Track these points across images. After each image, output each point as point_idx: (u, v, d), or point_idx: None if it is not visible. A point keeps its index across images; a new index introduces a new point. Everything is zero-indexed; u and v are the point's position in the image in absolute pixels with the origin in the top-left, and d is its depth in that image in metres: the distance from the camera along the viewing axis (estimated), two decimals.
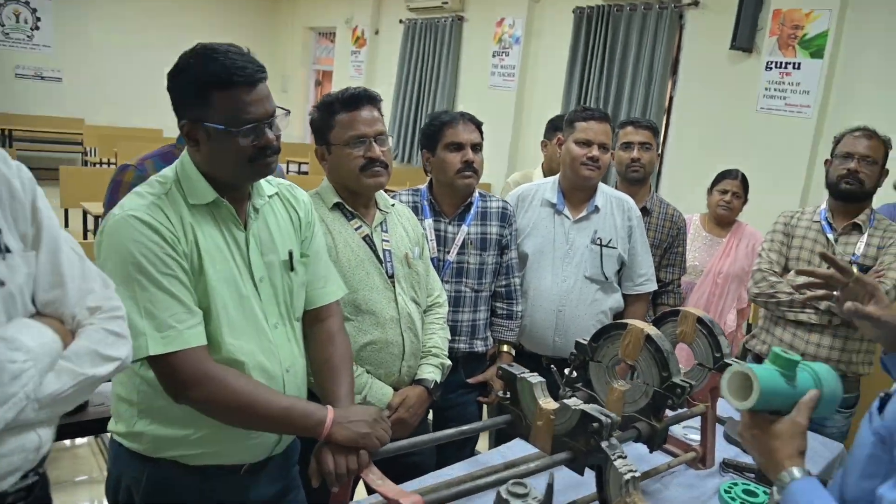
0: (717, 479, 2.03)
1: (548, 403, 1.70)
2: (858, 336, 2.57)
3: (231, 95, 1.46)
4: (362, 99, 1.99)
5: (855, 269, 1.56)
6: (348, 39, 9.53)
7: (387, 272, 2.04)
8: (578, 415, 1.61)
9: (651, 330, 1.82)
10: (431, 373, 2.12)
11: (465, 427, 1.73)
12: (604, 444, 1.55)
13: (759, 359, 2.71)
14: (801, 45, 4.62)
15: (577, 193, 2.64)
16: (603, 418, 1.56)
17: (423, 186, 2.46)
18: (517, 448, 2.01)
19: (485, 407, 2.64)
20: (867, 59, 4.48)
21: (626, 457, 1.53)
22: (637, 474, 1.50)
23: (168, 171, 1.56)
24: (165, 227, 1.45)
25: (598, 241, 2.60)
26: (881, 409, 1.18)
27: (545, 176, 3.51)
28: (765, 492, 1.93)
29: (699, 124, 5.30)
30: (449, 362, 2.19)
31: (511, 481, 1.36)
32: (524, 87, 6.99)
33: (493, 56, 7.21)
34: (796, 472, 1.17)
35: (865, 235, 2.58)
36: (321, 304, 1.77)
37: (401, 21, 8.51)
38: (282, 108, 1.58)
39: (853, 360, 2.57)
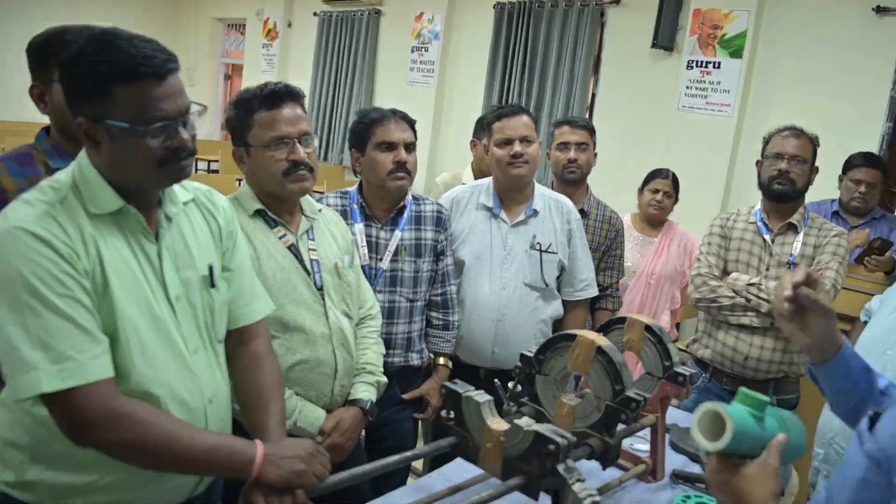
0: (668, 492, 1.96)
1: (497, 424, 1.57)
2: None
3: (137, 89, 1.25)
4: (284, 96, 1.81)
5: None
6: (259, 32, 9.18)
7: (315, 284, 1.87)
8: (532, 436, 1.49)
9: (602, 341, 1.73)
10: (366, 392, 1.97)
11: (409, 454, 1.58)
12: (560, 468, 1.44)
13: (701, 363, 2.66)
14: (720, 44, 4.68)
15: (513, 196, 2.53)
16: (559, 440, 1.45)
17: (352, 189, 2.30)
18: (459, 469, 1.87)
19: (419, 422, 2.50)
20: (783, 58, 4.57)
21: (584, 480, 1.43)
22: (598, 499, 1.40)
23: (63, 175, 1.33)
24: (61, 241, 1.24)
25: (538, 247, 2.49)
26: (871, 427, 1.10)
27: (475, 176, 3.40)
28: None
29: (621, 122, 5.31)
30: (385, 379, 2.04)
31: None
32: (444, 83, 6.87)
33: (413, 51, 7.07)
34: None
35: (801, 235, 2.57)
36: (246, 323, 1.59)
37: (315, 14, 8.26)
38: (197, 104, 1.37)
39: (794, 361, 2.56)
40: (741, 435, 1.14)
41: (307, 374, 1.84)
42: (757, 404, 1.19)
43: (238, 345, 1.58)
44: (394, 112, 2.23)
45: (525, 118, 2.48)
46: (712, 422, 1.17)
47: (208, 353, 1.47)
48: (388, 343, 2.18)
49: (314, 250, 1.90)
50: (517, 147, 2.42)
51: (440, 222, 2.37)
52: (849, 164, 3.49)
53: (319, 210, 1.99)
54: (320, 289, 1.88)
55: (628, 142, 5.24)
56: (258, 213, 1.86)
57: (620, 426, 1.71)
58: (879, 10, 4.20)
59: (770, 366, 2.54)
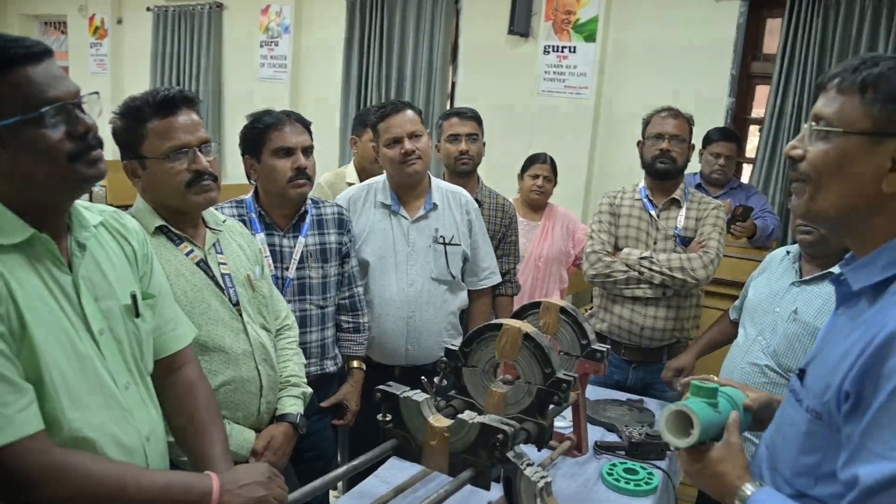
0: (594, 463, 2.06)
1: (439, 421, 1.59)
2: (687, 305, 2.73)
3: (16, 75, 1.11)
4: (178, 102, 1.69)
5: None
6: (85, 30, 8.50)
7: (230, 300, 1.78)
8: (478, 428, 1.51)
9: (528, 328, 1.79)
10: (294, 405, 1.91)
11: (356, 461, 1.54)
12: (510, 455, 1.47)
13: (599, 337, 2.78)
14: (574, 29, 4.85)
15: (410, 191, 2.53)
16: (506, 428, 1.49)
17: (248, 197, 2.21)
18: (395, 471, 1.87)
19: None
20: (634, 41, 4.81)
21: (533, 464, 1.47)
22: (549, 479, 1.45)
23: None
24: None
25: (441, 240, 2.51)
26: (801, 382, 1.19)
27: (358, 175, 3.35)
28: (642, 467, 2.00)
29: (484, 109, 5.28)
30: (309, 390, 2.00)
31: None
32: (298, 78, 6.69)
33: (262, 46, 6.81)
34: (750, 486, 1.18)
35: (684, 209, 2.73)
36: (174, 350, 1.49)
37: (148, 9, 7.74)
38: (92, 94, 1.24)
39: (685, 327, 2.73)
40: (706, 428, 1.24)
41: (232, 396, 1.76)
42: (710, 394, 1.29)
43: (167, 374, 1.48)
44: (288, 115, 2.16)
45: (410, 113, 2.47)
46: (677, 419, 1.25)
47: (139, 388, 1.36)
48: (303, 353, 2.12)
49: (224, 264, 1.80)
50: (407, 145, 2.41)
51: (342, 224, 2.32)
52: (707, 139, 3.76)
53: (224, 221, 1.89)
54: (236, 304, 1.79)
55: (492, 128, 5.28)
56: (160, 229, 1.73)
57: (552, 407, 1.76)
58: None
59: (664, 333, 2.70)
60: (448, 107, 5.66)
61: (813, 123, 1.12)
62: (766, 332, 2.21)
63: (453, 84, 5.71)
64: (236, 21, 7.08)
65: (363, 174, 3.30)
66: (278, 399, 1.90)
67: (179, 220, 1.75)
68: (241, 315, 1.79)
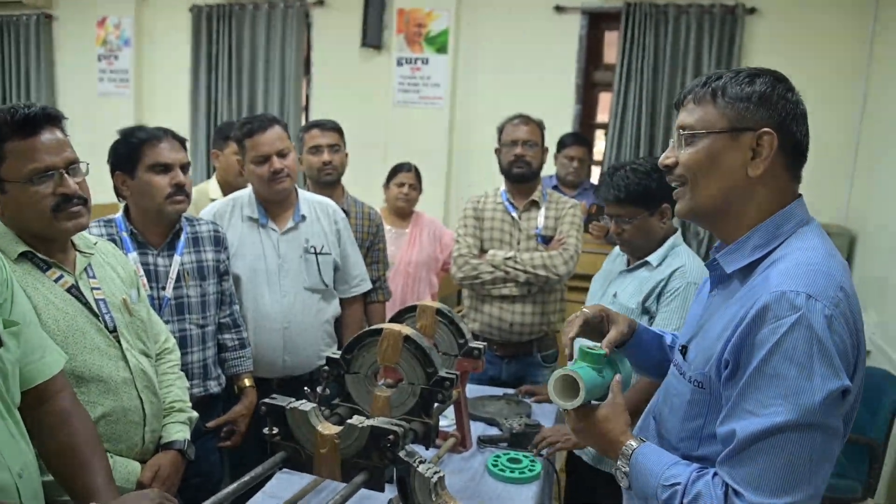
0: (479, 457, 2.13)
1: (328, 428, 1.59)
2: (552, 299, 2.87)
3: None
4: (41, 120, 1.55)
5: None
6: None
7: (106, 326, 1.68)
8: (368, 432, 1.53)
9: (408, 330, 1.82)
10: (180, 432, 1.83)
11: (246, 478, 1.48)
12: (402, 455, 1.50)
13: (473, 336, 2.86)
14: (426, 41, 4.97)
15: (277, 206, 2.53)
16: (396, 429, 1.52)
17: (118, 216, 2.11)
18: (283, 485, 1.85)
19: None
20: (484, 52, 5.00)
21: (426, 461, 1.51)
22: (442, 474, 1.49)
23: None
24: None
25: (312, 250, 2.51)
26: (684, 357, 1.32)
27: (222, 189, 3.26)
28: (524, 456, 2.09)
29: (339, 122, 5.37)
30: (195, 414, 1.92)
31: None
32: (142, 93, 6.38)
33: (100, 60, 6.43)
34: (633, 442, 1.29)
35: (543, 210, 2.88)
36: (43, 379, 1.40)
37: None
38: None
39: (551, 320, 2.87)
40: (591, 389, 1.32)
41: (114, 427, 1.66)
42: (596, 359, 1.39)
43: (38, 405, 1.39)
44: (164, 131, 2.09)
45: (277, 129, 2.46)
46: (564, 383, 1.33)
47: (7, 423, 1.28)
48: (185, 374, 2.04)
49: (97, 289, 1.69)
50: (276, 164, 2.42)
51: (219, 241, 2.28)
52: (561, 144, 3.97)
53: (95, 243, 1.79)
54: (113, 331, 1.69)
55: (348, 140, 5.31)
56: (24, 255, 1.59)
57: (436, 406, 1.80)
58: (558, 9, 4.80)
59: (532, 328, 2.83)
60: (303, 120, 5.61)
61: (679, 131, 1.28)
62: None
63: (307, 97, 5.66)
64: (69, 33, 6.65)
65: (227, 188, 3.22)
66: (163, 426, 1.82)
67: (46, 245, 1.62)
68: (118, 341, 1.69)
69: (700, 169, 1.24)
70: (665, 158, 1.31)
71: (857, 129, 4.34)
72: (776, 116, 1.20)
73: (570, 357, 1.46)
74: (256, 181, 2.46)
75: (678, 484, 1.18)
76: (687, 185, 1.27)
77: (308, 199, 2.60)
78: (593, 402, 1.36)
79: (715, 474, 1.17)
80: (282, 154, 2.43)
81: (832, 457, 1.13)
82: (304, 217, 2.53)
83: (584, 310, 1.49)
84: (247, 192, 2.56)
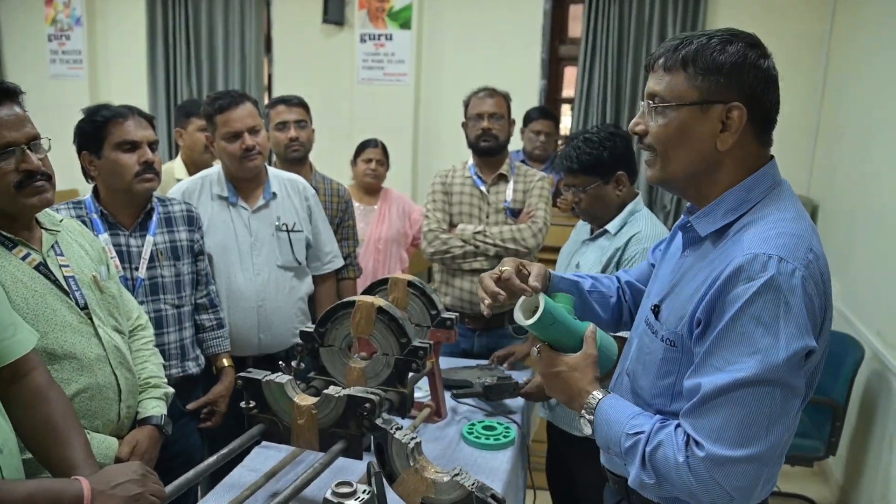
0: (454, 426, 2.14)
1: (305, 399, 1.62)
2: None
3: None
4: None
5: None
6: None
7: (77, 303, 1.65)
8: (345, 401, 1.56)
9: (381, 302, 1.84)
10: (156, 407, 1.83)
11: (224, 450, 1.54)
12: (379, 422, 1.53)
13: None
14: (389, 17, 4.92)
15: (247, 183, 2.50)
16: (372, 397, 1.55)
17: (87, 197, 2.08)
18: (261, 458, 1.85)
19: None
20: (448, 28, 4.97)
21: (402, 427, 1.53)
22: (419, 439, 1.51)
23: None
24: None
25: (284, 227, 2.50)
26: (656, 317, 1.34)
27: (187, 167, 3.20)
28: (499, 423, 2.11)
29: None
30: (171, 390, 1.92)
31: (334, 484, 1.30)
32: (98, 74, 6.21)
33: (50, 40, 6.25)
34: (598, 393, 1.32)
35: (511, 183, 2.88)
36: (16, 356, 1.38)
37: None
38: None
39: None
40: (554, 314, 1.34)
41: (89, 403, 1.64)
42: (566, 300, 1.44)
43: (12, 383, 1.37)
44: (130, 108, 2.05)
45: (248, 106, 2.43)
46: (529, 306, 1.35)
47: None
48: (162, 355, 2.03)
49: (66, 266, 1.66)
50: (248, 140, 2.39)
51: (192, 221, 2.25)
52: (528, 118, 3.97)
53: (61, 220, 1.75)
54: (84, 307, 1.66)
55: (313, 118, 5.27)
56: None
57: (411, 375, 1.83)
58: None
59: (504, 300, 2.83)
60: (266, 98, 5.54)
61: (649, 102, 1.27)
62: None
63: (270, 76, 5.58)
64: (16, 11, 6.43)
65: (192, 167, 3.16)
66: (139, 402, 1.81)
67: (10, 223, 1.59)
68: (90, 318, 1.67)
69: (670, 141, 1.24)
70: (635, 125, 1.31)
71: (819, 100, 4.43)
72: (746, 88, 1.20)
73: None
74: (227, 158, 2.43)
75: (641, 433, 1.22)
76: (656, 154, 1.28)
77: (278, 177, 2.57)
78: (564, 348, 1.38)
79: (678, 426, 1.20)
80: (253, 131, 2.41)
81: (791, 414, 1.16)
82: (274, 195, 2.51)
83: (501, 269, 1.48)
84: (216, 170, 2.53)
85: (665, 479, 1.18)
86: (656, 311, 1.35)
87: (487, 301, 1.45)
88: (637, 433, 1.22)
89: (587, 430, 1.32)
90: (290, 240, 2.49)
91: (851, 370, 3.02)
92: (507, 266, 1.45)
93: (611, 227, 2.23)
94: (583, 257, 2.30)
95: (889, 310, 3.02)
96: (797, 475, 3.60)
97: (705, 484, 1.14)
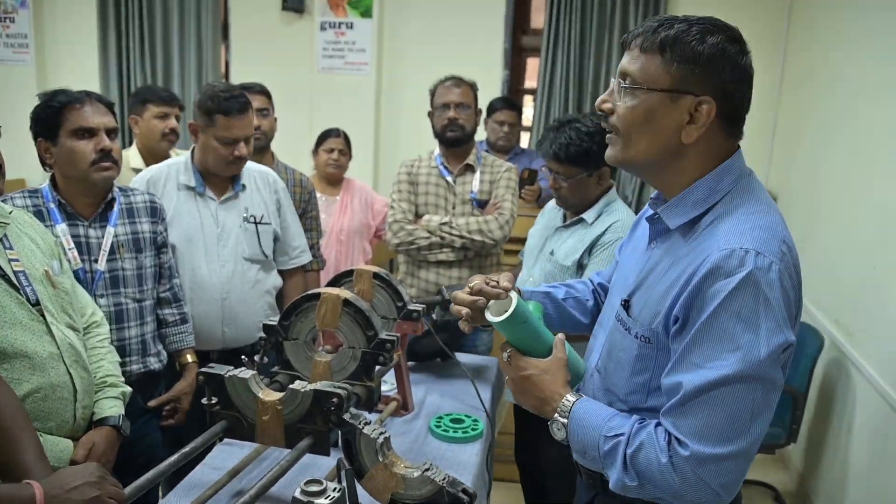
0: (421, 420, 2.11)
1: (270, 395, 1.58)
2: (488, 264, 2.87)
3: None
4: None
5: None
6: None
7: (28, 299, 1.59)
8: (311, 396, 1.52)
9: (347, 294, 1.80)
10: (114, 407, 1.77)
11: (187, 448, 1.48)
12: (346, 417, 1.50)
13: None
14: (350, 5, 4.84)
15: (216, 175, 2.45)
16: (340, 392, 1.51)
17: (44, 186, 2.00)
18: (223, 456, 1.78)
19: None
20: (411, 18, 4.91)
21: (371, 422, 1.50)
22: (388, 434, 1.49)
23: None
24: None
25: (252, 219, 2.45)
26: (627, 312, 1.32)
27: (142, 156, 3.10)
28: (467, 416, 2.09)
29: None
30: (128, 389, 1.86)
31: (303, 482, 1.26)
32: (45, 60, 5.99)
33: None
34: (571, 396, 1.29)
35: (478, 173, 2.85)
36: None
37: None
38: None
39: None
40: (525, 313, 1.33)
41: (42, 404, 1.58)
42: (539, 310, 1.45)
43: None
44: (88, 94, 1.98)
45: (250, 115, 2.40)
46: (501, 309, 1.34)
47: None
48: (123, 350, 1.98)
49: (16, 260, 1.60)
50: (242, 150, 2.37)
51: (155, 212, 2.19)
52: (491, 108, 3.95)
53: (10, 212, 1.68)
54: (36, 304, 1.60)
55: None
56: None
57: (378, 369, 1.78)
58: None
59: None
60: None
61: (621, 80, 1.24)
62: (535, 271, 2.40)
63: (227, 64, 5.45)
64: None
65: (148, 155, 3.06)
66: (95, 402, 1.75)
67: None
68: (42, 315, 1.61)
69: (634, 125, 1.22)
70: (602, 102, 1.28)
71: (778, 95, 4.49)
72: (720, 83, 1.18)
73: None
74: (213, 156, 2.37)
75: (621, 435, 1.20)
76: (619, 135, 1.26)
77: (248, 169, 2.52)
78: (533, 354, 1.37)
79: (658, 424, 1.19)
80: (248, 140, 2.39)
81: (772, 408, 1.16)
82: (243, 186, 2.47)
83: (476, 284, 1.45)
84: (183, 159, 2.47)
85: (648, 481, 1.17)
86: (626, 306, 1.33)
87: (465, 311, 1.42)
88: (616, 435, 1.21)
89: (560, 435, 1.29)
90: (257, 232, 2.45)
91: (811, 359, 3.08)
92: (475, 280, 1.43)
93: (587, 216, 2.24)
94: (557, 245, 2.30)
95: (846, 299, 3.08)
96: (758, 462, 3.64)
97: (691, 483, 1.13)
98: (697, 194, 1.23)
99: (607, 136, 1.29)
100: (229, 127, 2.32)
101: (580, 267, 2.20)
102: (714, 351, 1.12)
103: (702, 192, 1.23)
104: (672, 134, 1.20)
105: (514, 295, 1.32)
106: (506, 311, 1.30)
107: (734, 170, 1.24)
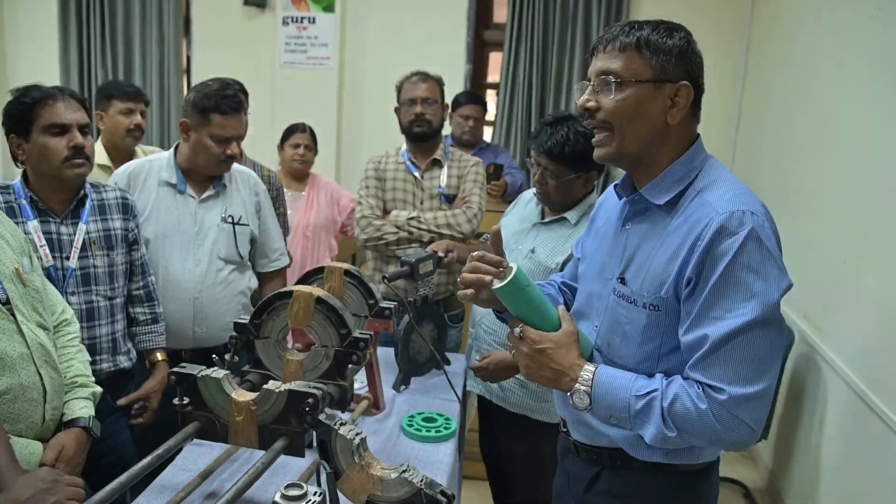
0: (393, 418, 2.12)
1: (243, 395, 1.57)
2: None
3: None
4: None
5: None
6: None
7: None
8: (286, 396, 1.51)
9: (320, 292, 1.81)
10: (84, 408, 1.75)
11: (160, 450, 1.46)
12: (322, 417, 1.49)
13: None
14: (312, 0, 4.80)
15: (199, 173, 2.43)
16: (315, 391, 1.50)
17: (16, 182, 1.99)
18: (194, 457, 1.77)
19: None
20: (373, 12, 4.91)
21: (346, 423, 1.50)
22: (364, 435, 1.48)
23: None
24: None
25: (230, 219, 2.43)
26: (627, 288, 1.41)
27: (108, 152, 3.06)
28: (439, 414, 2.09)
29: None
30: (99, 389, 1.84)
31: (284, 486, 1.26)
32: (5, 55, 5.85)
33: None
34: (590, 366, 1.37)
35: (445, 168, 2.86)
36: None
37: None
38: None
39: (456, 281, 2.86)
40: (526, 279, 1.37)
41: (11, 406, 1.56)
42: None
43: None
44: (60, 90, 1.96)
45: (244, 116, 2.40)
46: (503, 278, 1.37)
47: None
48: (93, 349, 1.96)
49: None
50: (234, 149, 2.36)
51: (127, 209, 2.17)
52: (456, 102, 3.95)
53: None
54: (6, 303, 1.58)
55: None
56: None
57: (350, 367, 1.79)
58: None
59: (439, 287, 2.83)
60: (185, 83, 5.35)
61: (606, 78, 1.34)
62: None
63: (188, 58, 5.38)
64: None
65: (114, 152, 3.02)
66: (65, 403, 1.73)
67: None
68: (12, 314, 1.59)
69: (626, 115, 1.33)
70: (586, 102, 1.37)
71: (741, 86, 4.57)
72: (690, 70, 1.34)
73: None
74: (205, 154, 2.36)
75: (654, 391, 1.30)
76: (612, 131, 1.36)
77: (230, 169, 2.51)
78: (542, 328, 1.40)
79: (686, 378, 1.29)
80: (239, 139, 2.39)
81: (782, 347, 1.31)
82: (224, 186, 2.46)
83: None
84: (165, 155, 2.45)
85: (687, 430, 1.27)
86: (623, 281, 1.42)
87: (470, 293, 1.44)
88: (648, 393, 1.30)
89: (583, 404, 1.35)
90: (234, 232, 2.43)
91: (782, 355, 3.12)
92: (476, 253, 1.45)
93: (570, 216, 2.26)
94: (538, 243, 2.31)
95: (815, 294, 3.08)
96: (728, 459, 3.67)
97: (729, 424, 1.24)
98: (676, 174, 1.37)
99: (596, 136, 1.39)
100: (224, 126, 2.32)
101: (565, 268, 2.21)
102: (733, 302, 1.24)
103: (680, 171, 1.36)
104: (659, 119, 1.33)
105: (514, 265, 1.37)
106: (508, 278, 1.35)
107: (701, 151, 1.40)
